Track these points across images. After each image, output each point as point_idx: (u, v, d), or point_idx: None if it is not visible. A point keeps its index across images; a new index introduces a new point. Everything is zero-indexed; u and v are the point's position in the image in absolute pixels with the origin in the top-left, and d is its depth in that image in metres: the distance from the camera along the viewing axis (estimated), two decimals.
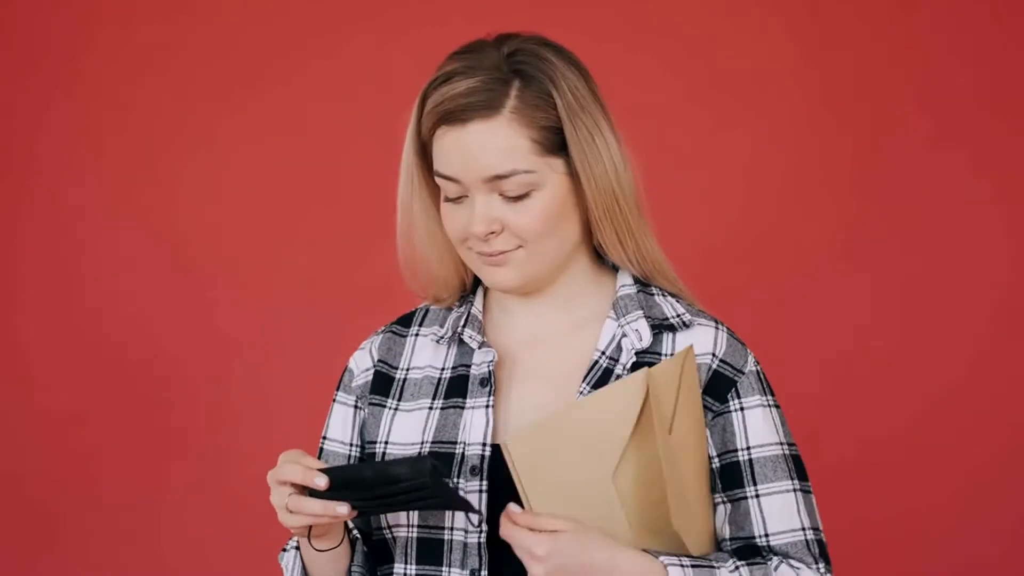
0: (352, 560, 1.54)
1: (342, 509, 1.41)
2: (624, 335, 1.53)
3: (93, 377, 2.70)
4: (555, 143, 1.49)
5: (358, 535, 1.58)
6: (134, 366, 2.70)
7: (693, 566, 1.44)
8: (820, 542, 1.51)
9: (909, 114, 2.59)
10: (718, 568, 1.46)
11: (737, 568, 1.46)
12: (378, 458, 1.56)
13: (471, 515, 1.47)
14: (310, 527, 1.45)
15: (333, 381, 1.64)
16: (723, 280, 2.54)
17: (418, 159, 1.55)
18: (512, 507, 1.43)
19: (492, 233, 1.49)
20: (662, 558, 1.43)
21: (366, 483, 1.41)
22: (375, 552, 1.57)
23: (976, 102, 2.58)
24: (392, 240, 2.64)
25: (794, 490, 1.52)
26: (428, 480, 1.37)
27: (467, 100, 1.47)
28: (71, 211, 2.72)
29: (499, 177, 1.47)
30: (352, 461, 1.60)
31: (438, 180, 1.51)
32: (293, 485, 1.43)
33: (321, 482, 1.41)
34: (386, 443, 1.56)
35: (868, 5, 2.61)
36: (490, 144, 1.47)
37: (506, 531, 1.42)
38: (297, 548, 1.55)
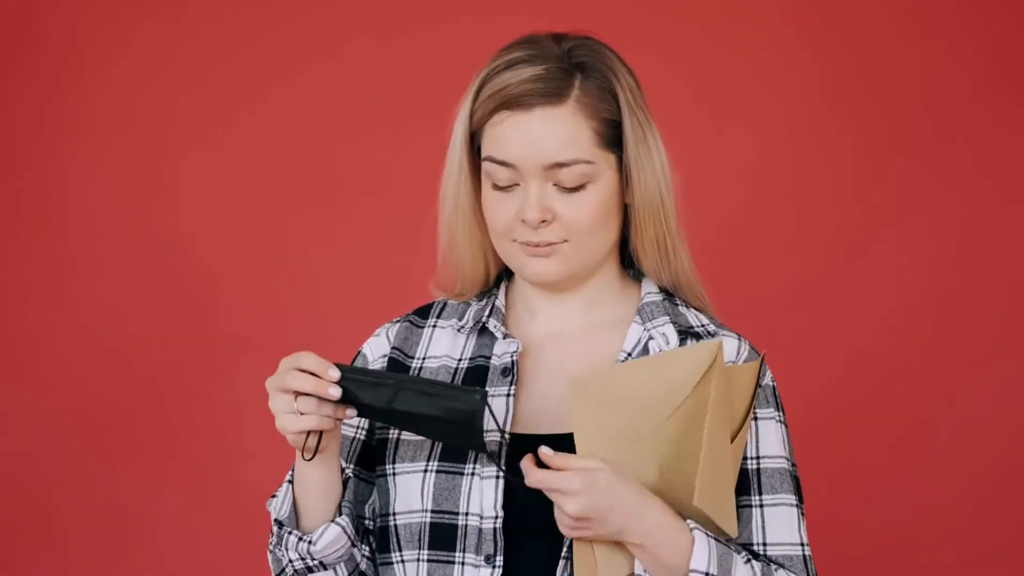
0: (343, 496, 1.52)
1: (350, 412, 1.42)
2: (651, 338, 1.54)
3: (93, 377, 2.70)
4: (612, 138, 1.51)
5: (351, 475, 1.57)
6: (134, 366, 2.70)
7: (716, 540, 1.45)
8: (811, 560, 1.53)
9: (910, 114, 2.59)
10: (735, 553, 1.46)
11: (749, 561, 1.47)
12: (390, 446, 1.56)
13: (483, 455, 1.45)
14: (307, 434, 1.44)
15: None
16: (723, 280, 2.53)
17: (467, 148, 1.54)
18: (545, 449, 1.42)
19: (543, 222, 1.49)
20: (690, 522, 1.44)
21: (387, 397, 1.41)
22: (376, 539, 1.57)
23: (978, 102, 2.58)
24: (394, 240, 2.66)
25: (796, 506, 1.53)
26: (475, 413, 1.39)
27: (533, 86, 1.47)
28: (71, 211, 2.72)
29: (560, 165, 1.48)
30: (356, 444, 1.59)
31: (490, 167, 1.51)
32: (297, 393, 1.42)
33: (335, 393, 1.41)
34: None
35: (869, 4, 2.61)
36: (555, 132, 1.48)
37: (537, 475, 1.41)
38: (290, 482, 1.52)
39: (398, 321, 1.64)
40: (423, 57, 2.65)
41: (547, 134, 1.48)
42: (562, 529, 1.43)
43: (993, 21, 2.60)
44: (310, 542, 1.49)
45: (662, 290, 1.58)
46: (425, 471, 1.52)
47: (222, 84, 2.70)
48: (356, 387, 1.43)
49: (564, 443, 1.46)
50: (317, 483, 1.50)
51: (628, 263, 1.61)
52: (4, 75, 2.73)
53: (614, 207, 1.53)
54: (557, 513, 1.43)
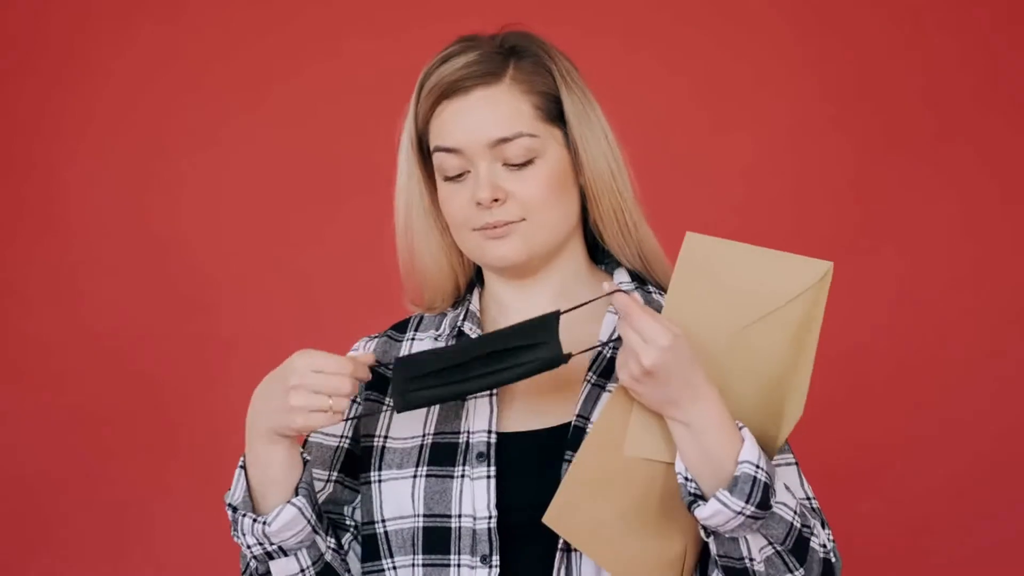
0: (301, 478, 1.50)
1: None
2: None
3: (93, 377, 2.70)
4: (554, 112, 1.52)
5: (334, 481, 1.57)
6: (134, 365, 2.70)
7: (763, 450, 1.43)
8: (820, 511, 1.52)
9: (911, 113, 2.59)
10: (777, 469, 1.45)
11: (785, 486, 1.45)
12: (375, 454, 1.56)
13: (563, 356, 1.43)
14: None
15: None
16: None
17: (417, 153, 1.56)
18: (637, 295, 1.42)
19: (496, 201, 1.50)
20: (738, 422, 1.42)
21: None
22: (362, 548, 1.56)
23: (979, 102, 2.58)
24: (392, 242, 2.66)
25: (795, 463, 1.53)
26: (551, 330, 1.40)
27: (468, 71, 1.51)
28: (71, 211, 2.72)
29: (504, 140, 1.50)
30: (340, 452, 1.59)
31: (439, 158, 1.53)
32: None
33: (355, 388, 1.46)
34: (385, 437, 1.56)
35: (870, 4, 2.61)
36: (494, 109, 1.50)
37: (639, 312, 1.39)
38: (242, 467, 1.51)
39: (376, 336, 1.64)
40: (423, 57, 2.65)
41: (487, 113, 1.50)
42: (622, 376, 1.41)
43: (993, 22, 2.60)
44: (265, 523, 1.48)
45: (635, 278, 1.59)
46: (415, 476, 1.52)
47: (222, 84, 2.71)
48: (416, 384, 1.44)
49: (554, 436, 1.47)
50: (282, 462, 1.48)
51: (601, 258, 1.62)
52: (4, 75, 2.73)
53: (568, 183, 1.54)
54: (624, 358, 1.41)
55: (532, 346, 1.43)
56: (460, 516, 1.49)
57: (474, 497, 1.49)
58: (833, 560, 1.48)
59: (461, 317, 1.59)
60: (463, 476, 1.50)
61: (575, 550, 1.46)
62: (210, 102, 2.70)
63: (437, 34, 2.69)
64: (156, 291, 2.70)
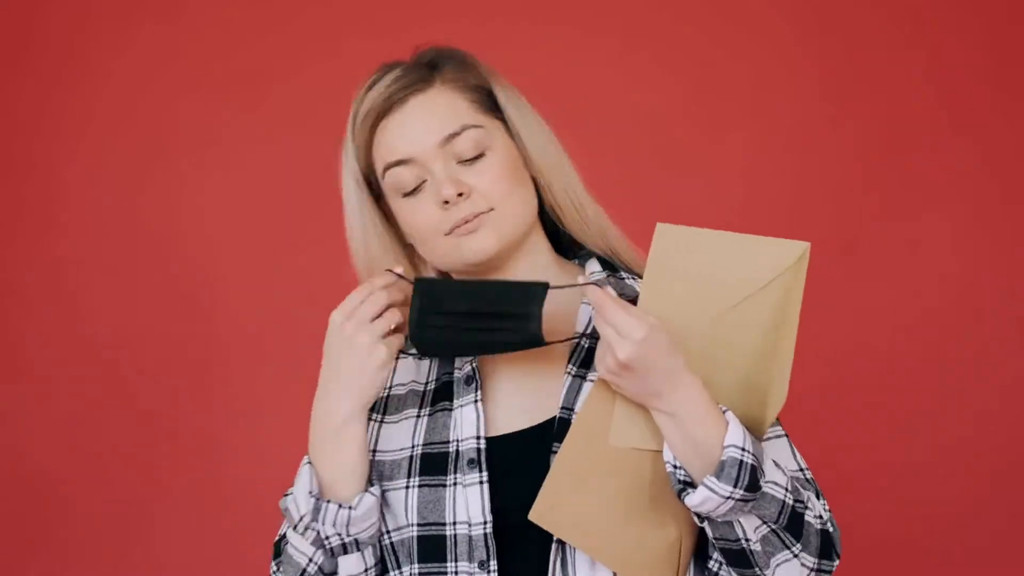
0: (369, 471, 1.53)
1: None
2: None
3: (92, 377, 2.70)
4: (490, 104, 1.55)
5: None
6: (134, 366, 2.70)
7: (748, 431, 1.43)
8: (814, 481, 1.53)
9: (912, 113, 2.59)
10: (763, 448, 1.45)
11: (775, 463, 1.46)
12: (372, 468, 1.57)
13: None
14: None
15: None
16: None
17: (366, 190, 1.60)
18: (610, 289, 1.43)
19: (461, 195, 1.51)
20: (722, 406, 1.43)
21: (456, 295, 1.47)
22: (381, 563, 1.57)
23: (979, 101, 2.58)
24: None
25: (784, 436, 1.54)
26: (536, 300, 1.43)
27: (398, 84, 1.53)
28: (71, 211, 2.72)
29: (451, 136, 1.52)
30: None
31: (392, 175, 1.54)
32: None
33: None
34: (374, 451, 1.57)
35: (870, 3, 2.61)
36: (433, 110, 1.53)
37: (610, 304, 1.41)
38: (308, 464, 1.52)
39: None
40: None
41: (427, 115, 1.53)
42: (600, 370, 1.43)
43: (995, 20, 2.60)
44: (351, 507, 1.49)
45: (606, 266, 1.59)
46: (407, 487, 1.53)
47: (222, 84, 2.70)
48: (432, 299, 1.48)
49: (541, 432, 1.48)
50: (360, 444, 1.50)
51: (569, 252, 1.63)
52: (4, 75, 2.73)
53: (522, 170, 1.55)
54: (601, 352, 1.42)
55: (518, 316, 1.45)
56: (455, 523, 1.50)
57: (468, 504, 1.49)
58: (831, 530, 1.48)
59: None
60: (455, 484, 1.50)
61: (570, 545, 1.47)
62: (210, 102, 2.70)
63: (437, 34, 2.70)
64: (156, 291, 2.70)
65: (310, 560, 1.51)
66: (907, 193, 2.59)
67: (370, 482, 1.52)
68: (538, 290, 1.45)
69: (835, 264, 2.60)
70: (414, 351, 1.56)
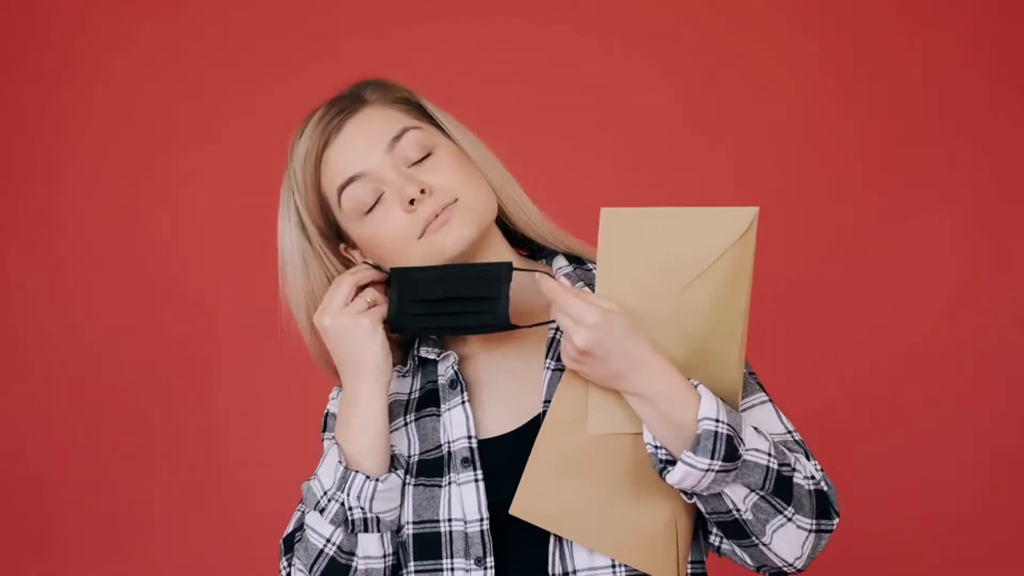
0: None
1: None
2: None
3: (92, 377, 2.70)
4: (421, 112, 1.59)
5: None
6: (133, 366, 2.70)
7: (722, 401, 1.43)
8: (804, 443, 1.53)
9: (913, 113, 2.59)
10: (741, 416, 1.45)
11: (755, 429, 1.46)
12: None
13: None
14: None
15: (325, 388, 1.67)
16: None
17: (317, 231, 1.61)
18: (564, 279, 1.45)
19: (423, 192, 1.52)
20: (694, 380, 1.43)
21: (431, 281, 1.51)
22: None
23: (980, 101, 2.58)
24: None
25: (768, 400, 1.54)
26: (503, 277, 1.48)
27: (328, 117, 1.58)
28: (71, 211, 2.72)
29: (395, 140, 1.55)
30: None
31: (349, 193, 1.56)
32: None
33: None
34: None
35: (870, 4, 2.61)
36: (370, 125, 1.56)
37: (561, 291, 1.42)
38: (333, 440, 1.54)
39: None
40: (423, 57, 2.65)
41: (366, 130, 1.56)
42: (564, 360, 1.44)
43: (995, 19, 2.60)
44: (378, 479, 1.50)
45: (571, 260, 1.61)
46: (403, 484, 1.54)
47: (222, 84, 2.71)
48: (408, 285, 1.53)
49: (529, 432, 1.48)
50: (376, 413, 1.52)
51: (535, 253, 1.64)
52: (4, 75, 2.74)
53: (469, 162, 1.57)
54: (564, 343, 1.43)
55: (490, 299, 1.49)
56: (450, 520, 1.51)
57: (463, 501, 1.50)
58: (825, 489, 1.49)
59: (417, 344, 1.62)
60: (450, 483, 1.51)
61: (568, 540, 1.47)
62: (210, 102, 2.70)
63: (437, 34, 2.71)
64: (155, 291, 2.70)
65: (328, 541, 1.52)
66: (908, 192, 2.59)
67: (394, 468, 1.54)
68: (503, 269, 1.49)
69: (835, 264, 2.60)
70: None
